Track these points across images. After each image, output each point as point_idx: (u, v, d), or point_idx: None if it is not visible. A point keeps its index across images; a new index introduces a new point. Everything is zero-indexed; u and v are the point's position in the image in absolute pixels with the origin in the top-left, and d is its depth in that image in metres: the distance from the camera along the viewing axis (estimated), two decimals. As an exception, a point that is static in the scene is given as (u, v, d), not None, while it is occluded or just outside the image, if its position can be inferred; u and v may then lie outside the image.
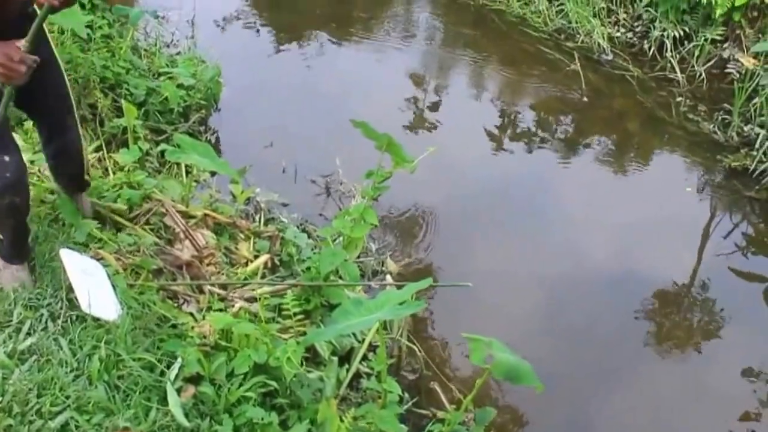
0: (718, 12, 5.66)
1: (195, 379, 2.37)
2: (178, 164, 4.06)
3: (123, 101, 3.76)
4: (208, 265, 3.23)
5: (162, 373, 2.32)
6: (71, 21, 3.37)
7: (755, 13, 5.76)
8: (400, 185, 4.20)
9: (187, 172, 4.06)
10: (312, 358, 3.10)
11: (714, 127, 5.23)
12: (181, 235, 3.25)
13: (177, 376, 2.32)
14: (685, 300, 4.05)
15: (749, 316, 3.97)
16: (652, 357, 3.69)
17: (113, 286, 2.52)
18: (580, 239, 4.28)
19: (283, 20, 6.27)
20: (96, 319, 2.37)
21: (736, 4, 5.63)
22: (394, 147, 3.06)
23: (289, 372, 2.43)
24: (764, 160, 4.73)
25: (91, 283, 2.38)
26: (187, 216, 3.40)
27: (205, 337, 2.50)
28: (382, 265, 3.93)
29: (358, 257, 3.88)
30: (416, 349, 3.43)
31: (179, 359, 2.34)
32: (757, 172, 4.72)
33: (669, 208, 4.61)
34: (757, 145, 4.82)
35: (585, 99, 5.49)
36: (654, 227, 4.40)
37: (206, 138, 4.57)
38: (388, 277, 3.84)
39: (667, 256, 4.23)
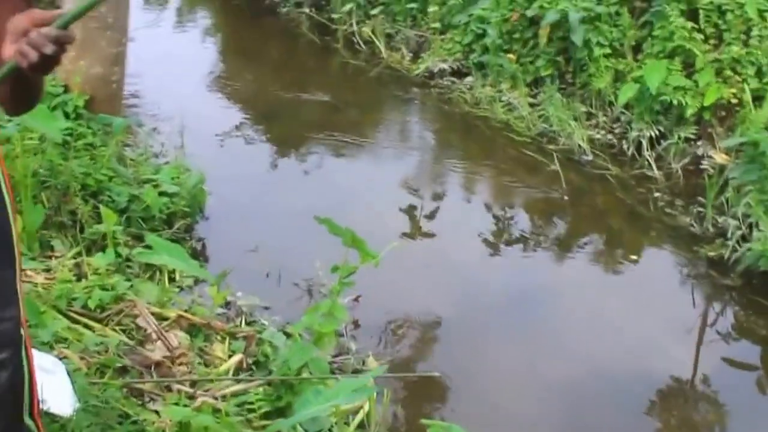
0: (689, 112, 5.89)
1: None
2: (161, 270, 4.12)
3: (101, 207, 3.86)
4: (179, 365, 3.22)
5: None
6: (47, 126, 3.50)
7: (724, 113, 5.98)
8: (386, 287, 4.31)
9: (170, 279, 4.12)
10: (285, 457, 3.05)
11: (690, 220, 5.33)
12: (153, 336, 3.27)
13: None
14: (684, 394, 4.01)
15: (748, 406, 3.93)
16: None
17: (72, 382, 2.52)
18: (570, 337, 4.26)
19: (275, 130, 6.48)
20: (51, 415, 2.37)
21: (705, 104, 5.88)
22: (357, 242, 3.13)
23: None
24: (737, 248, 4.81)
25: (48, 380, 2.39)
26: (160, 318, 3.43)
27: (164, 431, 2.48)
28: (363, 364, 3.92)
29: (338, 356, 3.89)
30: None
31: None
32: (731, 260, 4.79)
33: (654, 300, 4.62)
34: (729, 235, 4.93)
35: (566, 198, 5.60)
36: (642, 321, 4.40)
37: (191, 245, 4.63)
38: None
39: (657, 348, 4.22)
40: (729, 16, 6.10)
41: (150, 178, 4.57)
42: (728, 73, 5.97)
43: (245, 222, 5.04)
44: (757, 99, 5.79)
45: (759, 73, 5.93)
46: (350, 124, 6.67)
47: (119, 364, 2.88)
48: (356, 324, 4.23)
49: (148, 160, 5.04)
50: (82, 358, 2.82)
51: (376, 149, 6.35)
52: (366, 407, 3.44)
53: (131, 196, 4.28)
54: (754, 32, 6.00)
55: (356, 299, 4.31)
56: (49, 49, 1.34)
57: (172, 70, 7.15)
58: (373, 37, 7.67)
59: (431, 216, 5.44)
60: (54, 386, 2.40)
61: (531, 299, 4.60)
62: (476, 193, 5.90)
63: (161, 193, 4.49)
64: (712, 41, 6.18)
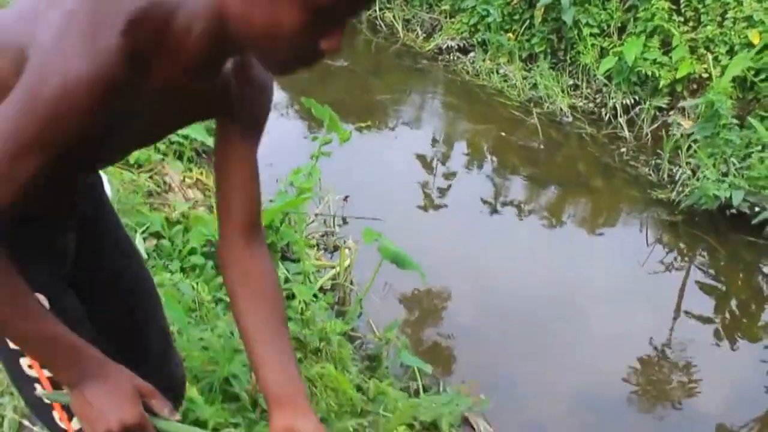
0: (662, 83, 6.64)
1: (158, 238, 3.27)
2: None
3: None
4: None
5: (134, 231, 3.24)
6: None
7: (695, 86, 6.71)
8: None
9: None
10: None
11: (649, 170, 6.14)
12: (176, 189, 4.23)
13: (144, 232, 3.22)
14: (664, 355, 4.34)
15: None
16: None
17: (112, 188, 3.47)
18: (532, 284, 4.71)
19: (303, 90, 7.40)
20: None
21: (677, 77, 6.62)
22: (333, 121, 4.03)
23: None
24: (680, 191, 5.67)
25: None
26: (183, 181, 4.39)
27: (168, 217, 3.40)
28: (344, 243, 4.71)
29: (324, 236, 4.80)
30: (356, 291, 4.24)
31: (148, 222, 3.26)
32: (675, 201, 5.64)
33: (610, 235, 5.44)
34: (676, 179, 5.77)
35: (542, 147, 6.43)
36: (598, 254, 5.18)
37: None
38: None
39: (612, 277, 4.89)
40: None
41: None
42: (702, 51, 6.71)
43: (269, 153, 5.97)
44: (727, 74, 6.49)
45: (731, 52, 6.61)
46: (367, 86, 7.61)
47: (146, 189, 3.83)
48: (344, 220, 5.10)
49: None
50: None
51: (387, 105, 7.24)
52: (337, 267, 4.36)
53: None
54: (729, 14, 6.65)
55: (345, 199, 5.21)
56: None
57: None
58: (393, 20, 8.65)
59: (429, 160, 6.31)
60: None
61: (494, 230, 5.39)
62: (469, 142, 6.76)
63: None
64: (691, 23, 6.91)
